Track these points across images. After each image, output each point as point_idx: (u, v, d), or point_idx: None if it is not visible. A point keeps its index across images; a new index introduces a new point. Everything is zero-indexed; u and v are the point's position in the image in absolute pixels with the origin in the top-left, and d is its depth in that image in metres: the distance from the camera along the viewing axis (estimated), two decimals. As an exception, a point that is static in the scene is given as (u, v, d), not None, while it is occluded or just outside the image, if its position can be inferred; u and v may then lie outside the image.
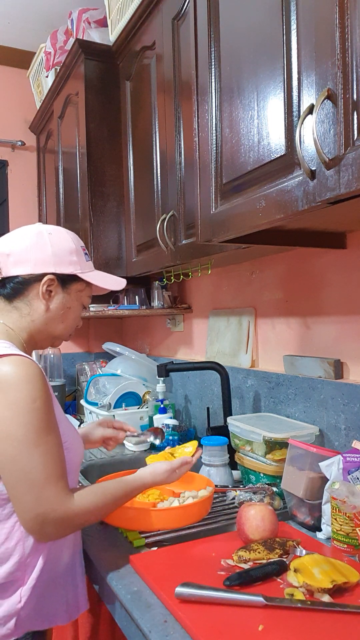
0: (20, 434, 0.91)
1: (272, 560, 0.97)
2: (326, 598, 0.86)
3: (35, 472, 0.91)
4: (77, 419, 2.27)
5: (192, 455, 1.20)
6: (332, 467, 1.11)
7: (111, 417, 1.43)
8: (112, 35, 1.99)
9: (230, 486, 1.37)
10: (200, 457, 1.44)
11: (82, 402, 2.22)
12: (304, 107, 0.87)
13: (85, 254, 1.12)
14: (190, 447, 1.29)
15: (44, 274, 1.05)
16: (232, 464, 1.45)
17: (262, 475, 1.34)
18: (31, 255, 1.05)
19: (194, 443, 1.30)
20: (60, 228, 1.11)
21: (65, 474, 0.96)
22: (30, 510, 0.91)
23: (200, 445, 1.35)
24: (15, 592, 0.96)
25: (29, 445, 0.91)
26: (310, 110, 0.85)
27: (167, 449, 1.35)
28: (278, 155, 0.97)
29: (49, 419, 0.95)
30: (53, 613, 1.01)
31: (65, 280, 1.07)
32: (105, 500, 1.01)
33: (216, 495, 1.31)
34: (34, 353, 2.52)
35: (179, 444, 1.61)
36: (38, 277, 1.05)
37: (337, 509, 1.04)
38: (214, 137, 1.18)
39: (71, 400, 2.69)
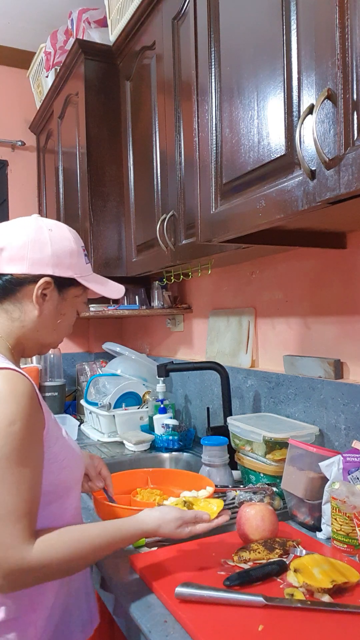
0: None
1: (272, 560, 0.98)
2: (326, 598, 0.86)
3: None
4: (77, 419, 2.27)
5: (214, 518, 0.99)
6: (332, 467, 1.11)
7: (98, 462, 1.18)
8: (112, 35, 1.99)
9: (230, 486, 1.37)
10: (201, 457, 1.44)
11: (82, 402, 2.23)
12: (304, 107, 0.87)
13: (85, 255, 1.03)
14: (215, 505, 1.05)
15: (41, 276, 0.94)
16: (232, 464, 1.45)
17: (262, 475, 1.34)
18: (28, 252, 0.93)
19: (221, 503, 1.06)
20: (61, 225, 1.01)
21: (32, 514, 0.81)
22: None
23: (224, 505, 1.09)
24: (31, 626, 0.88)
25: None
26: (310, 110, 0.85)
27: (184, 495, 1.14)
28: (278, 155, 0.97)
29: (26, 447, 0.81)
30: (71, 634, 0.96)
31: (63, 284, 0.97)
32: (78, 549, 0.85)
33: (216, 495, 1.31)
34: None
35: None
36: (34, 279, 0.94)
37: (337, 509, 1.04)
38: (214, 137, 1.18)
39: (71, 400, 2.69)
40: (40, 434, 0.86)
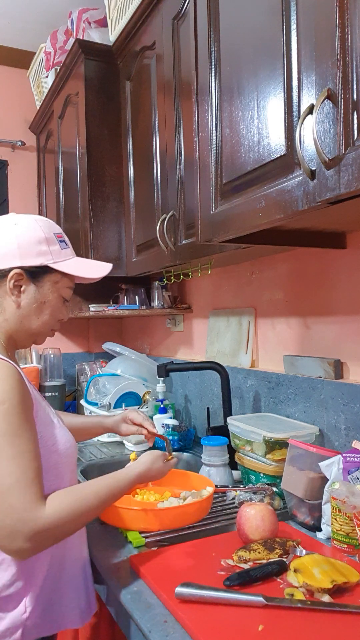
0: None
1: (272, 560, 0.97)
2: (326, 598, 0.86)
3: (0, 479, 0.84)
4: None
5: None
6: (332, 467, 1.11)
7: (132, 412, 1.33)
8: (112, 35, 1.99)
9: (230, 486, 1.37)
10: (201, 457, 1.44)
11: (82, 402, 2.22)
12: (304, 107, 0.87)
13: (62, 241, 1.03)
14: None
15: (10, 269, 0.97)
16: (232, 464, 1.45)
17: (262, 475, 1.34)
18: None
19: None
20: (29, 216, 1.03)
21: (38, 479, 0.87)
22: None
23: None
24: (20, 603, 0.92)
25: None
26: (310, 110, 0.85)
27: (183, 495, 1.25)
28: (278, 155, 0.97)
29: (18, 422, 0.87)
30: (63, 617, 0.98)
31: (36, 273, 0.99)
32: (86, 502, 0.91)
33: (216, 495, 1.31)
34: (33, 353, 2.53)
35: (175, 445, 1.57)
36: (4, 273, 0.98)
37: (337, 509, 1.04)
38: (214, 137, 1.18)
39: (71, 400, 2.69)
40: (30, 412, 0.91)
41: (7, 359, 0.91)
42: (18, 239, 0.98)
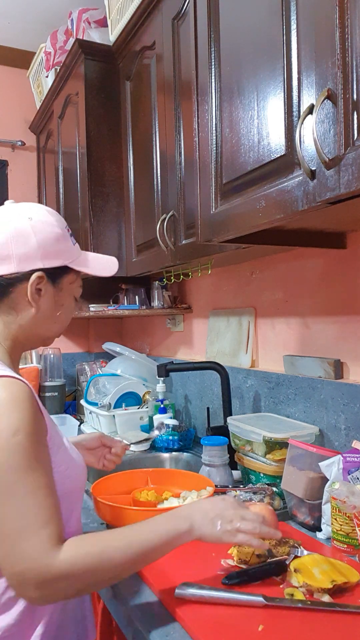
0: None
1: (272, 560, 0.97)
2: (326, 598, 0.86)
3: (8, 522, 0.75)
4: (77, 419, 2.27)
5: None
6: (332, 467, 1.11)
7: (107, 436, 1.23)
8: (112, 35, 1.99)
9: (230, 486, 1.36)
10: (201, 457, 1.44)
11: (82, 402, 2.23)
12: (304, 107, 0.87)
13: (71, 235, 0.95)
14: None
15: (32, 272, 0.88)
16: (232, 464, 1.45)
17: (262, 475, 1.34)
18: (12, 249, 0.87)
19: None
20: (39, 208, 0.93)
21: (55, 519, 0.77)
22: (6, 568, 0.75)
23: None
24: None
25: (1, 489, 0.75)
26: (310, 110, 0.85)
27: (183, 496, 1.19)
28: (278, 155, 0.97)
29: (33, 454, 0.77)
30: None
31: (55, 275, 0.91)
32: (114, 553, 0.78)
33: (216, 495, 1.31)
34: (33, 353, 2.53)
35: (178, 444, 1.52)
36: (24, 276, 0.88)
37: (337, 509, 1.04)
38: (214, 137, 1.18)
39: (71, 400, 2.69)
40: (44, 440, 0.82)
41: (20, 378, 0.81)
42: (37, 237, 0.88)
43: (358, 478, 1.08)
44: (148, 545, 0.81)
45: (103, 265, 0.99)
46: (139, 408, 2.06)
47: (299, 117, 0.88)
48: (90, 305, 2.24)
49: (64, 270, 0.92)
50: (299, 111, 0.92)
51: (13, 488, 0.75)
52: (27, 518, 0.75)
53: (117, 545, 0.79)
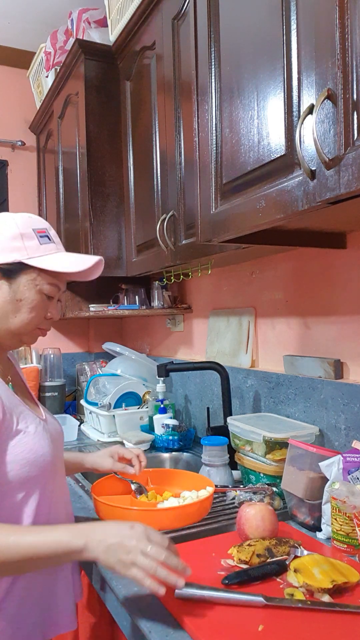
0: None
1: (272, 560, 0.97)
2: (326, 598, 0.86)
3: None
4: (77, 419, 2.27)
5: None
6: (332, 467, 1.11)
7: (120, 446, 1.29)
8: (112, 35, 1.99)
9: (230, 486, 1.37)
10: (201, 457, 1.44)
11: (82, 402, 2.23)
12: (304, 107, 0.87)
13: (43, 236, 0.99)
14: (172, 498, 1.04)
15: None
16: (232, 464, 1.45)
17: (262, 475, 1.34)
18: None
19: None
20: (6, 214, 1.00)
21: None
22: None
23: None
24: None
25: None
26: (310, 110, 0.85)
27: (183, 495, 1.22)
28: (278, 155, 0.97)
29: None
30: (26, 635, 0.95)
31: (9, 271, 0.97)
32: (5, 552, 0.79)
33: (216, 495, 1.31)
34: (33, 353, 2.53)
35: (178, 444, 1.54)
36: None
37: (337, 509, 1.04)
38: (214, 137, 1.18)
39: (71, 400, 2.69)
40: None
41: None
42: None
43: (358, 478, 1.08)
44: (30, 552, 0.79)
45: (71, 263, 1.00)
46: (139, 408, 2.06)
47: (299, 117, 0.88)
48: (90, 305, 2.24)
49: (20, 266, 0.97)
50: (299, 111, 0.92)
51: None
52: None
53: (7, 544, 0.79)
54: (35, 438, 0.96)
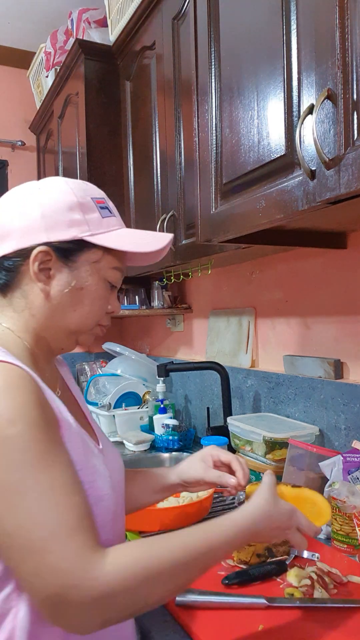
0: None
1: (272, 560, 0.97)
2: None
3: (26, 533, 0.59)
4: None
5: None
6: (332, 467, 1.11)
7: (215, 447, 0.97)
8: (112, 35, 1.99)
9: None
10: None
11: (82, 402, 2.22)
12: (304, 107, 0.87)
13: (104, 207, 0.79)
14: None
15: (33, 247, 0.73)
16: (232, 464, 1.45)
17: (262, 475, 1.34)
18: (15, 223, 0.74)
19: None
20: (57, 178, 0.79)
21: (87, 521, 0.62)
22: (36, 590, 0.59)
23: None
24: None
25: (8, 493, 0.60)
26: (310, 110, 0.84)
27: (183, 495, 1.06)
28: (278, 155, 0.97)
29: (41, 447, 0.62)
30: None
31: (68, 251, 0.75)
32: (169, 558, 0.64)
33: (216, 495, 1.31)
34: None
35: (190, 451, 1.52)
36: (27, 253, 0.74)
37: (337, 509, 1.04)
38: (214, 137, 1.18)
39: (71, 400, 2.69)
40: (55, 432, 0.67)
41: (20, 364, 0.67)
42: (43, 207, 0.74)
43: (358, 478, 1.08)
44: (210, 544, 0.69)
45: (141, 240, 0.81)
46: (139, 408, 2.06)
47: (299, 117, 0.88)
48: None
49: (80, 244, 0.76)
50: (299, 111, 0.92)
51: (22, 490, 0.60)
52: (48, 525, 0.59)
53: (174, 554, 0.65)
54: (97, 459, 0.75)
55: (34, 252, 0.73)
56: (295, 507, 0.78)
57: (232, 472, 0.93)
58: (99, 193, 0.81)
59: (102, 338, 2.73)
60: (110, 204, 0.81)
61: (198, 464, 0.94)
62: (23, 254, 0.74)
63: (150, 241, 0.80)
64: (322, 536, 1.13)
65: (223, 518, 0.73)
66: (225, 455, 0.94)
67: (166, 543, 0.67)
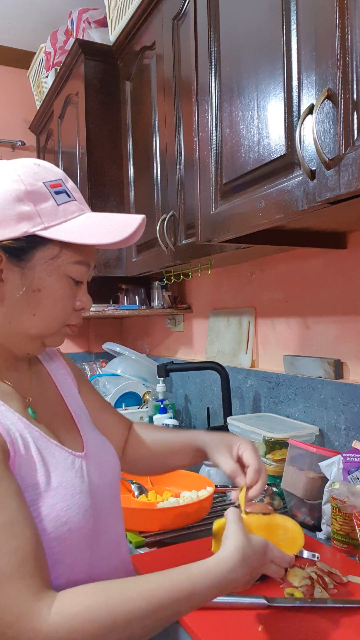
0: None
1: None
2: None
3: None
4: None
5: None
6: (332, 467, 1.11)
7: (245, 440, 0.89)
8: (112, 35, 1.99)
9: (230, 486, 1.37)
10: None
11: (82, 402, 2.22)
12: (304, 107, 0.87)
13: (59, 192, 0.69)
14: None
15: None
16: (232, 464, 1.44)
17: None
18: None
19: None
20: (3, 163, 0.70)
21: (32, 567, 0.57)
22: None
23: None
24: None
25: None
26: (310, 110, 0.85)
27: (183, 495, 1.00)
28: (278, 155, 0.97)
29: None
30: None
31: (20, 249, 0.66)
32: (127, 610, 0.57)
33: (216, 495, 1.31)
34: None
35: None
36: None
37: (337, 509, 1.04)
38: (214, 137, 1.18)
39: (71, 400, 2.69)
40: (4, 461, 0.61)
41: None
42: None
43: (358, 478, 1.08)
44: (176, 596, 0.61)
45: (103, 229, 0.69)
46: (139, 408, 2.06)
47: (299, 117, 0.88)
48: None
49: (32, 241, 0.67)
50: (299, 111, 0.92)
51: None
52: None
53: (134, 595, 0.58)
54: (55, 498, 0.66)
55: None
56: (267, 540, 0.71)
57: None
58: (55, 174, 0.70)
59: (102, 338, 2.73)
60: (70, 184, 0.71)
61: (224, 448, 0.86)
62: None
63: (116, 228, 0.69)
64: (322, 536, 1.13)
65: (196, 565, 0.65)
66: (248, 459, 0.85)
67: (126, 591, 0.59)
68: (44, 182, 0.68)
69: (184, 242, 1.56)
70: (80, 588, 0.59)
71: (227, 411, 1.67)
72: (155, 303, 2.22)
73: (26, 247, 0.67)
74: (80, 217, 0.70)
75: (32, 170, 0.68)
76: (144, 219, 0.72)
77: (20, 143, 2.84)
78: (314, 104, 0.84)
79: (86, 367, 2.54)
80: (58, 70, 2.32)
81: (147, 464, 0.97)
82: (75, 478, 0.69)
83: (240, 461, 0.85)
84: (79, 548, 0.67)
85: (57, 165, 2.47)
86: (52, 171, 0.70)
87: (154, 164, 1.75)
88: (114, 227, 0.69)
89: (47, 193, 0.68)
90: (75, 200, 0.71)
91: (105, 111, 2.06)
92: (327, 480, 1.12)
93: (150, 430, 0.98)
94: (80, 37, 2.09)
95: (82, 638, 0.55)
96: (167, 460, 0.95)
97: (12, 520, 0.58)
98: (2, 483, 0.59)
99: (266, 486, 1.26)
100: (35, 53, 2.69)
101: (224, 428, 1.54)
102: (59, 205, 0.68)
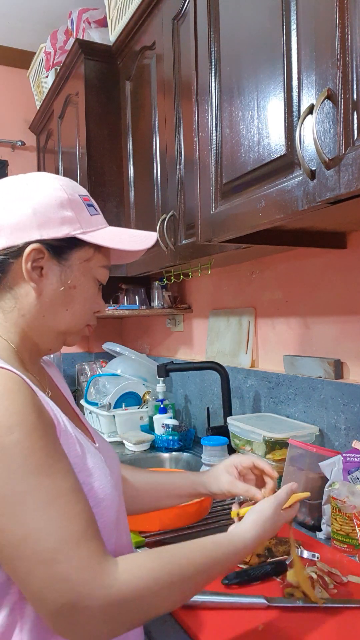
0: None
1: (272, 560, 0.97)
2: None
3: (33, 544, 0.58)
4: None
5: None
6: (332, 467, 1.11)
7: (238, 455, 1.00)
8: (112, 35, 1.99)
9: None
10: (201, 457, 1.44)
11: (82, 402, 2.22)
12: (304, 107, 0.87)
13: (89, 205, 0.77)
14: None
15: (26, 244, 0.71)
16: (232, 464, 1.45)
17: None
18: (3, 219, 0.71)
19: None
20: (44, 174, 0.77)
21: (94, 530, 0.61)
22: (45, 602, 0.57)
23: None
24: None
25: (11, 503, 0.58)
26: (310, 110, 0.84)
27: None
28: (278, 155, 0.97)
29: (41, 454, 0.61)
30: None
31: (60, 249, 0.73)
32: (176, 568, 0.65)
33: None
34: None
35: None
36: (17, 251, 0.71)
37: (337, 509, 1.04)
38: (214, 137, 1.18)
39: (71, 400, 2.69)
40: (53, 435, 0.65)
41: (12, 369, 0.65)
42: (33, 203, 0.72)
43: (358, 478, 1.08)
44: (216, 558, 0.70)
45: (130, 239, 0.80)
46: (139, 408, 2.06)
47: (299, 117, 0.88)
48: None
49: (72, 242, 0.74)
50: (299, 111, 0.92)
51: (25, 499, 0.58)
52: (56, 534, 0.58)
53: (181, 566, 0.66)
54: (90, 477, 0.70)
55: (27, 249, 0.71)
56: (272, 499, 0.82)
57: (255, 473, 0.95)
58: (84, 191, 0.79)
59: (102, 338, 2.73)
60: (94, 202, 0.80)
61: (224, 476, 0.94)
62: (13, 252, 0.72)
63: (137, 239, 0.81)
64: (322, 536, 1.13)
65: (220, 537, 0.74)
66: (247, 460, 0.94)
67: (175, 556, 0.67)
68: (79, 195, 0.77)
69: (184, 242, 1.56)
70: (137, 554, 0.66)
71: (227, 411, 1.67)
72: (155, 303, 2.22)
73: (66, 247, 0.74)
74: (107, 228, 0.79)
75: (70, 184, 0.77)
76: (157, 236, 0.84)
77: (20, 143, 2.84)
78: (314, 104, 0.84)
79: (86, 367, 2.54)
80: (58, 70, 2.32)
81: (133, 504, 0.93)
82: (101, 462, 0.74)
83: (243, 473, 0.94)
84: (109, 528, 0.72)
85: (57, 166, 2.48)
86: (82, 188, 0.80)
87: (154, 164, 1.75)
88: (134, 239, 0.81)
89: (82, 204, 0.76)
90: (100, 214, 0.80)
91: (105, 111, 2.06)
92: (327, 480, 1.12)
93: (131, 470, 0.99)
94: (80, 37, 2.09)
95: (149, 594, 0.62)
96: (158, 504, 0.99)
97: (76, 486, 0.63)
98: (61, 452, 0.64)
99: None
100: (35, 53, 2.69)
101: (224, 428, 1.54)
102: (91, 215, 0.77)
